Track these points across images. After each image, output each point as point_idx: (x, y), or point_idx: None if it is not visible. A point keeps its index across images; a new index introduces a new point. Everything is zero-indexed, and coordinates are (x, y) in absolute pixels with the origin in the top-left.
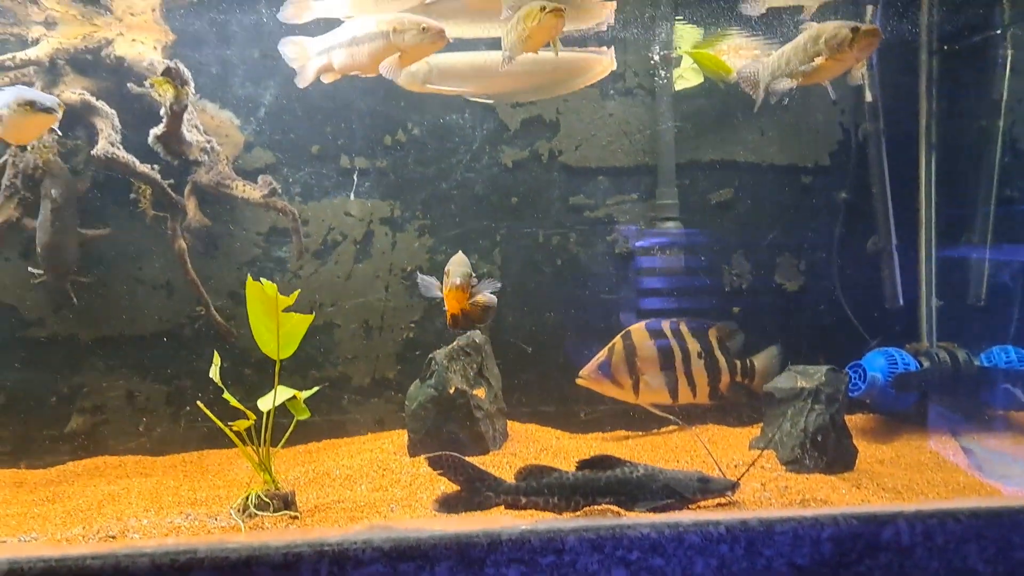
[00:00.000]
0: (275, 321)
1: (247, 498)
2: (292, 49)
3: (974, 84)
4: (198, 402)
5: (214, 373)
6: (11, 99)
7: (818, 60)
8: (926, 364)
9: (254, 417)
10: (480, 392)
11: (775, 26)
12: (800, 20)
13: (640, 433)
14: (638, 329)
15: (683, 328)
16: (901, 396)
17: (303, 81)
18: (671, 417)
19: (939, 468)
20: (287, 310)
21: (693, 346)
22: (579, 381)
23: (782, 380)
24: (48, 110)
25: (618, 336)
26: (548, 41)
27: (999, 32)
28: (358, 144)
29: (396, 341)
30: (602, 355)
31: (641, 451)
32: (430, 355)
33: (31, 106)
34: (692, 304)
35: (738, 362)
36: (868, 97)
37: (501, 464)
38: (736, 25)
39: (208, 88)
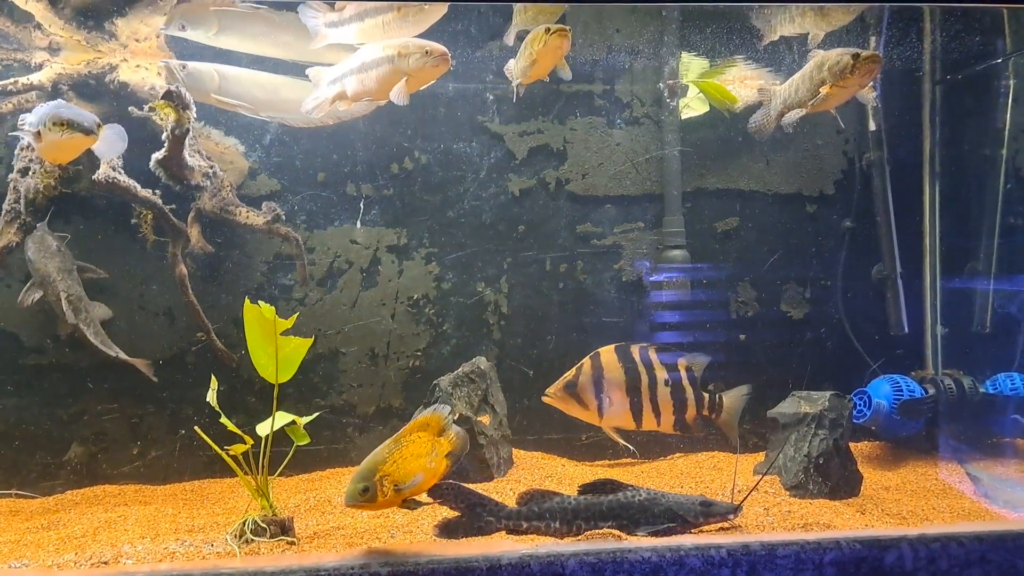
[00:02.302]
0: (273, 345)
1: (243, 524)
2: (316, 77)
3: (977, 113)
4: (196, 427)
5: (211, 397)
6: (47, 117)
7: (823, 88)
8: (931, 391)
9: (251, 442)
10: (485, 419)
11: (781, 55)
12: (807, 50)
13: (646, 459)
14: (607, 351)
15: (652, 355)
16: (906, 423)
17: (319, 110)
18: (630, 446)
19: (945, 495)
20: (286, 334)
21: (661, 373)
22: (545, 399)
23: (786, 405)
24: (87, 131)
25: (587, 357)
26: (556, 63)
27: (1001, 61)
28: (364, 171)
29: (402, 369)
30: (570, 374)
31: (646, 477)
32: (434, 382)
33: (67, 126)
34: (698, 332)
35: (706, 395)
36: (872, 126)
37: (505, 491)
38: (741, 55)
39: (213, 115)
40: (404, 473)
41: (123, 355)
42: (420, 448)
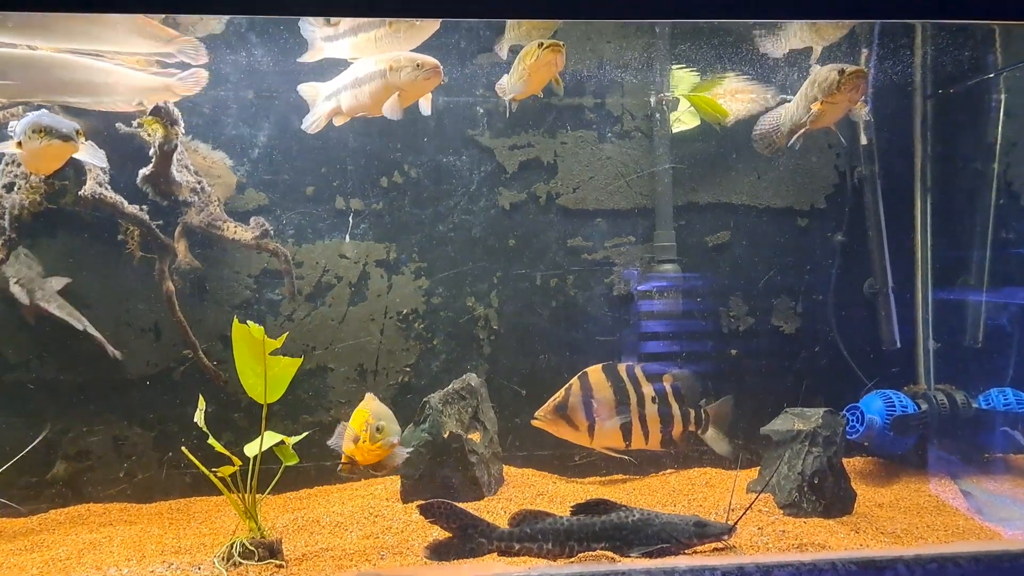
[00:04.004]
0: (262, 364)
1: (231, 546)
2: (307, 93)
3: (968, 127)
4: (183, 448)
5: (199, 418)
6: (28, 125)
7: (814, 105)
8: (924, 406)
9: (239, 463)
10: (475, 436)
11: (772, 70)
12: (808, 65)
13: (637, 476)
14: (595, 371)
15: (638, 371)
16: (899, 439)
17: (316, 126)
18: (627, 457)
19: (939, 511)
20: (275, 353)
21: (648, 390)
22: (535, 422)
23: (779, 423)
24: (65, 138)
25: (575, 377)
26: (550, 78)
27: (992, 76)
28: (353, 185)
29: (391, 385)
30: (559, 396)
31: (638, 494)
32: (424, 399)
33: (46, 133)
34: (690, 346)
35: (691, 410)
36: (863, 140)
37: (496, 510)
38: (733, 69)
39: (200, 128)
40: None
41: (91, 328)
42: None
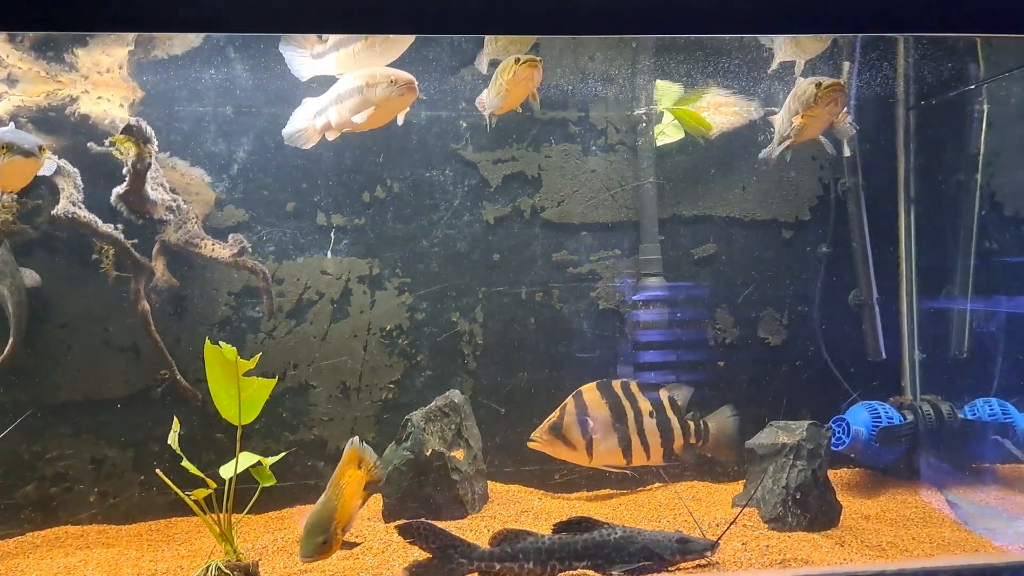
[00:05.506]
0: (235, 386)
1: (207, 569)
2: (299, 109)
3: (951, 138)
4: (157, 470)
5: (172, 440)
6: None
7: (795, 118)
8: (910, 417)
9: (214, 485)
10: (458, 454)
11: (756, 82)
12: (794, 78)
13: (624, 491)
14: (589, 389)
15: (634, 387)
16: (885, 450)
17: (308, 142)
18: (628, 471)
19: (925, 523)
20: (249, 373)
21: (644, 405)
22: (531, 444)
23: (763, 436)
24: (27, 154)
25: (569, 396)
26: (528, 94)
27: (975, 87)
28: (335, 201)
29: (374, 403)
30: (554, 416)
31: (625, 510)
32: (406, 416)
33: (8, 150)
34: (677, 360)
35: (691, 423)
36: (847, 152)
37: (480, 528)
38: (716, 82)
39: (178, 145)
40: (347, 515)
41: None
42: (355, 486)
